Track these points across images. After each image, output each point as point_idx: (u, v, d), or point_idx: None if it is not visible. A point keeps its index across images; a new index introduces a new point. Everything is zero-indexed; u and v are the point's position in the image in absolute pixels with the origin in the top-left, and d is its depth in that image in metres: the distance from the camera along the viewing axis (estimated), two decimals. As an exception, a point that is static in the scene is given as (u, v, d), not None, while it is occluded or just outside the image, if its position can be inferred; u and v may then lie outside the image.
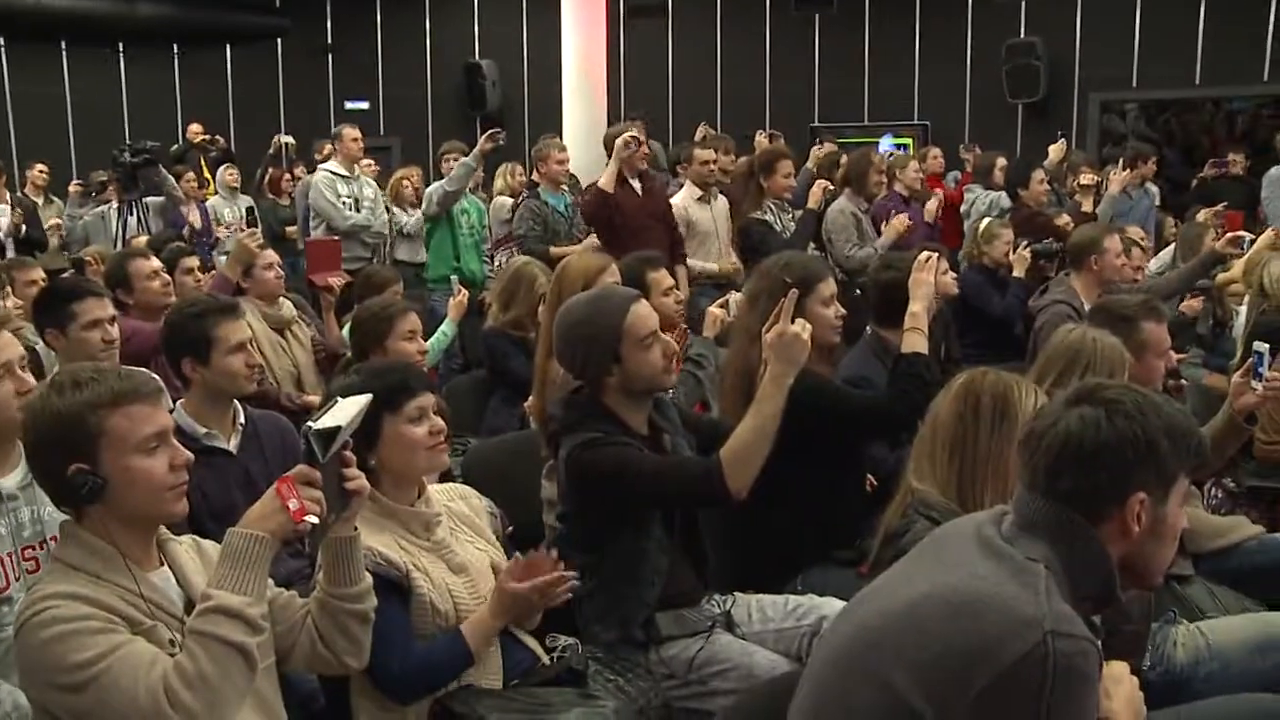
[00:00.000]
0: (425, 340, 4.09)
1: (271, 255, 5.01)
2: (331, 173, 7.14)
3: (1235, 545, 3.41)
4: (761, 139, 8.73)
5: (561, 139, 8.58)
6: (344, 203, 7.02)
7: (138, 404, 2.00)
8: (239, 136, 12.67)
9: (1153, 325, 3.43)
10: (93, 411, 1.97)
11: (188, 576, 2.09)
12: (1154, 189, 8.72)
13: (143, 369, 2.30)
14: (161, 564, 2.09)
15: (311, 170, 9.77)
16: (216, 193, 9.23)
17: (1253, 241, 6.03)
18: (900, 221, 6.57)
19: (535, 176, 7.28)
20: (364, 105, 14.35)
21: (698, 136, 8.95)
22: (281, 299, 5.07)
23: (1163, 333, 3.46)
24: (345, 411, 2.02)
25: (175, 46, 13.72)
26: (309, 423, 1.98)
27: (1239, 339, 5.27)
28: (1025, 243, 6.30)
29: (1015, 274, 6.08)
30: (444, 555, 2.55)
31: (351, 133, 7.29)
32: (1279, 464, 4.47)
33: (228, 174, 9.21)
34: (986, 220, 6.60)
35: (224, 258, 6.10)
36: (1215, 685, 2.74)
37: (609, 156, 6.07)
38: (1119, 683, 1.88)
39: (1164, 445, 1.69)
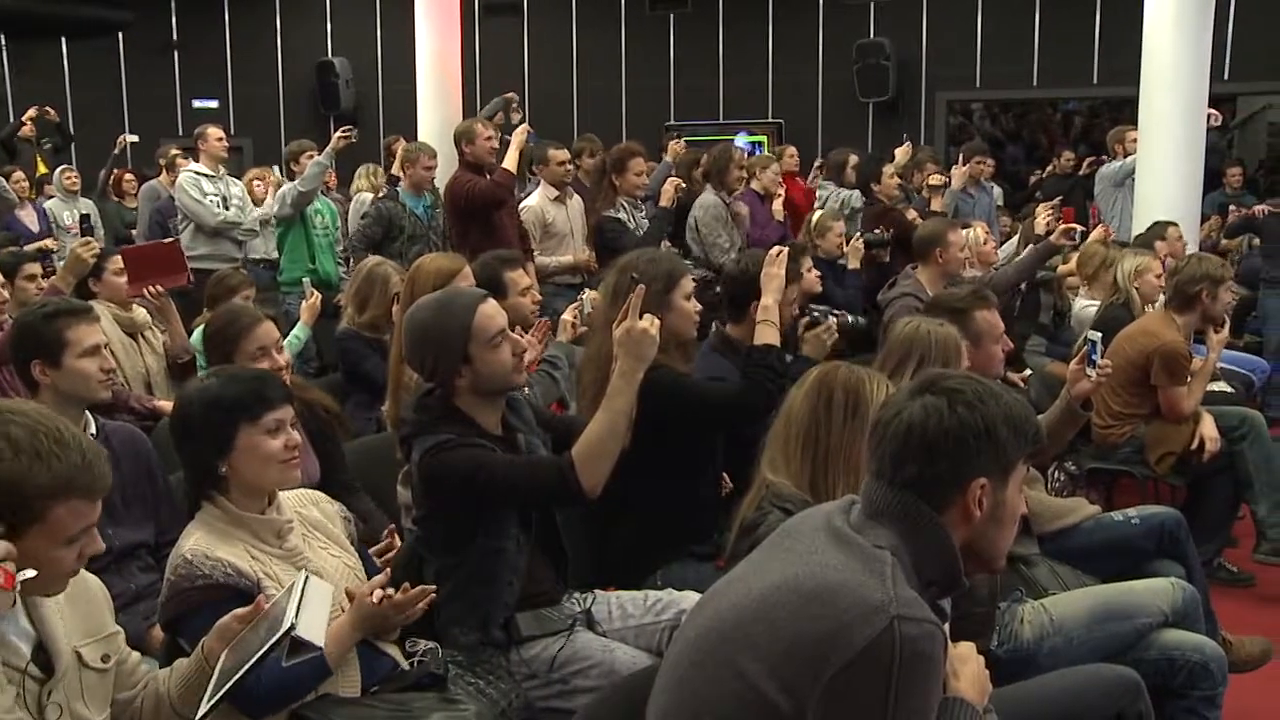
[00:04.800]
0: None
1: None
2: (196, 173, 7.02)
3: (1075, 525, 3.56)
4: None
5: (416, 138, 8.51)
6: (211, 200, 6.88)
7: None
8: (79, 137, 12.15)
9: (984, 313, 3.54)
10: None
11: (41, 613, 1.93)
12: (995, 188, 9.03)
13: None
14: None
15: (146, 179, 9.50)
16: (53, 195, 8.89)
17: (1084, 234, 6.33)
18: (671, 183, 6.47)
19: (397, 174, 7.23)
20: (213, 104, 13.92)
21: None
22: (135, 304, 4.91)
23: (995, 318, 3.57)
24: None
25: (4, 38, 13.09)
26: None
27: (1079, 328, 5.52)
28: (858, 234, 6.46)
29: (851, 265, 6.23)
30: (297, 563, 2.48)
31: (216, 132, 7.18)
32: (1114, 447, 4.70)
33: (65, 176, 8.87)
34: (818, 214, 6.72)
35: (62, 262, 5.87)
36: (1058, 658, 2.87)
37: (460, 151, 6.19)
38: (965, 662, 1.94)
39: (1003, 433, 1.76)
